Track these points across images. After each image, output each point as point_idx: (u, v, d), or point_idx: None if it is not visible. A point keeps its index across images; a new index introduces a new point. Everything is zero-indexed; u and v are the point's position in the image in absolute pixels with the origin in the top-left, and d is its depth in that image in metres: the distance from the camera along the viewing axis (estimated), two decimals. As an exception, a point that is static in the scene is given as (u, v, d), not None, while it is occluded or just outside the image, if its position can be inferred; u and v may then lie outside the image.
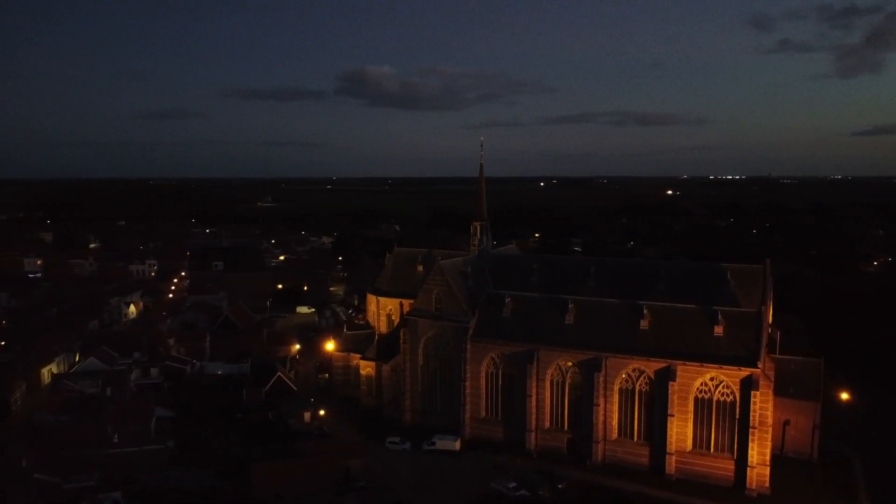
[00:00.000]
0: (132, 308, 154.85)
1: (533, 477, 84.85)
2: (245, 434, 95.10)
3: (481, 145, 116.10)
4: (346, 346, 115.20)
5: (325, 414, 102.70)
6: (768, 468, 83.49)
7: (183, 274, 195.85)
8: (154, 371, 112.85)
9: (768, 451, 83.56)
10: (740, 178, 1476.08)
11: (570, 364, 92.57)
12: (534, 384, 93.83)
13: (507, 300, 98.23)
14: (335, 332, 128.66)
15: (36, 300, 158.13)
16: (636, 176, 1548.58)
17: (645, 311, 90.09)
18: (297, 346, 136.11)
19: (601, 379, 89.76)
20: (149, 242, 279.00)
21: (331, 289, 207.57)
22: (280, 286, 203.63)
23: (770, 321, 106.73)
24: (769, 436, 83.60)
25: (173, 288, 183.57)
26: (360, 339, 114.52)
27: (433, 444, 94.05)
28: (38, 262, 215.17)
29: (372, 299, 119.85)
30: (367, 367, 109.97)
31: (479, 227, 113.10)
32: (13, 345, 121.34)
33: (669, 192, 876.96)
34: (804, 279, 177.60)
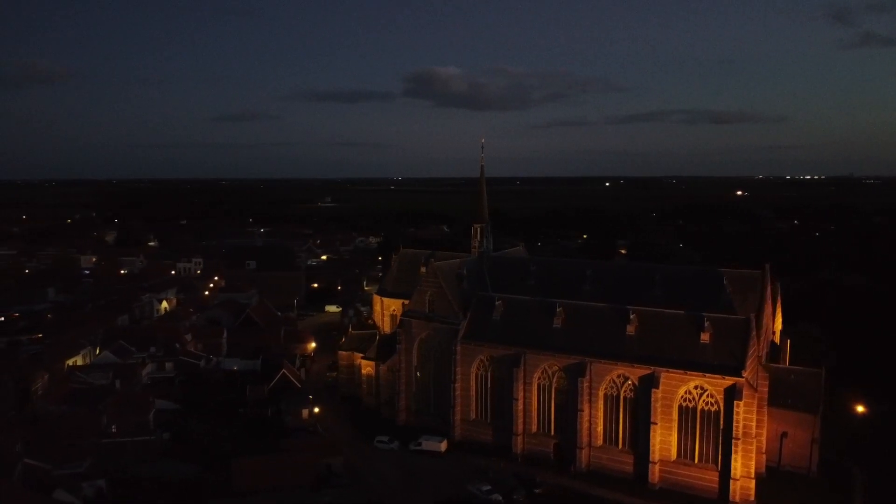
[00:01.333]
0: (164, 304, 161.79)
1: (509, 481, 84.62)
2: (241, 429, 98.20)
3: (482, 147, 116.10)
4: (350, 346, 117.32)
5: (319, 412, 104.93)
6: (753, 481, 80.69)
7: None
8: (169, 365, 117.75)
9: (753, 463, 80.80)
10: (820, 178, 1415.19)
11: (556, 368, 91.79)
12: (521, 388, 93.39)
13: (497, 303, 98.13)
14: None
15: (79, 295, 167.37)
16: (708, 176, 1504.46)
17: (632, 316, 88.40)
18: (313, 345, 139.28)
19: (585, 384, 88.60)
20: (202, 241, 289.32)
21: (366, 288, 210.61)
22: (315, 285, 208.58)
23: (778, 329, 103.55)
24: (754, 448, 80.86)
25: (211, 286, 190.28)
26: (363, 338, 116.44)
27: (419, 444, 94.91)
28: (93, 260, 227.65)
29: (377, 300, 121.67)
30: (367, 367, 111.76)
31: (479, 230, 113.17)
32: (47, 337, 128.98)
33: (739, 192, 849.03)
34: (848, 287, 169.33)
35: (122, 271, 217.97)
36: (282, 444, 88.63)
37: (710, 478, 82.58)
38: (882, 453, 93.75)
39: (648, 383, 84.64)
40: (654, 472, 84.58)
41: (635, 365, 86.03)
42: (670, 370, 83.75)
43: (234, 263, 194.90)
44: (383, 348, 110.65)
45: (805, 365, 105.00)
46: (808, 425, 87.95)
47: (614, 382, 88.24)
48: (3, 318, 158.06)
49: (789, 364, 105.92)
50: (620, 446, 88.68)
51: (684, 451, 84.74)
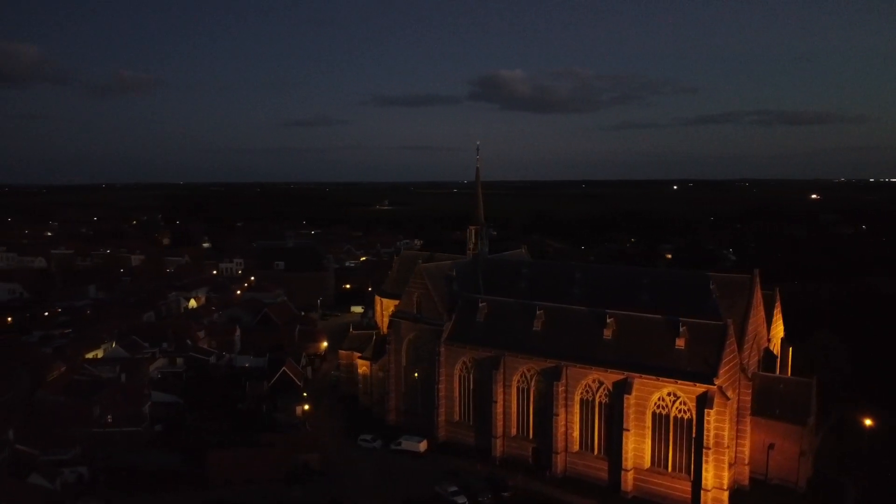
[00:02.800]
0: (193, 302, 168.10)
1: (478, 483, 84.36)
2: (233, 423, 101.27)
3: (477, 150, 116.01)
4: (350, 345, 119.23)
5: (310, 409, 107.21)
6: (726, 493, 78.00)
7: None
8: (179, 361, 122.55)
9: (726, 474, 78.02)
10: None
11: (534, 371, 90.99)
12: (500, 390, 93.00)
13: (480, 305, 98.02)
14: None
15: (117, 293, 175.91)
16: (783, 179, 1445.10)
17: (608, 320, 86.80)
18: (325, 344, 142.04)
19: (561, 388, 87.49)
20: (252, 243, 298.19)
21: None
22: (348, 286, 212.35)
23: (778, 336, 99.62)
24: (726, 458, 78.01)
25: (246, 285, 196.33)
26: (362, 338, 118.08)
27: (399, 444, 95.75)
28: (141, 259, 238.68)
29: (378, 300, 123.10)
30: (363, 366, 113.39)
31: (474, 231, 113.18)
32: (75, 332, 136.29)
33: (814, 196, 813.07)
34: (886, 295, 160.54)
35: (169, 270, 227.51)
36: (261, 438, 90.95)
37: (683, 488, 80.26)
38: (882, 469, 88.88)
39: (621, 389, 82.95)
40: (628, 480, 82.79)
41: (609, 370, 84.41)
42: (643, 376, 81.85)
43: (263, 264, 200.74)
44: (378, 348, 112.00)
45: (809, 375, 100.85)
46: (796, 437, 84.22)
47: (589, 387, 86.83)
48: (46, 313, 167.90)
49: (791, 373, 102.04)
50: (596, 452, 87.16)
51: (658, 460, 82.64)
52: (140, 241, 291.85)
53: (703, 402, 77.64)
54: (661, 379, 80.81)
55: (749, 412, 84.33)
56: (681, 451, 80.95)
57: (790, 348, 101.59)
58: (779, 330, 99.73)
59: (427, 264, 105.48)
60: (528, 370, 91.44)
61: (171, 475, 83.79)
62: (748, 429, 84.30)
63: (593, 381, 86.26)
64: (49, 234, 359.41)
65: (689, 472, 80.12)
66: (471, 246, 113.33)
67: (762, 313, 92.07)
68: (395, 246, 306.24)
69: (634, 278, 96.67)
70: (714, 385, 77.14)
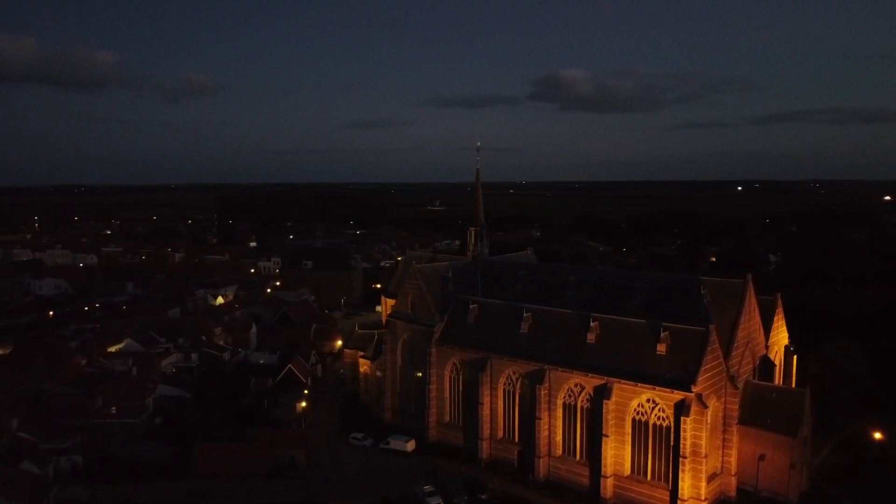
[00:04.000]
0: (220, 299, 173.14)
1: (454, 484, 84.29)
2: (233, 417, 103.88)
3: (477, 151, 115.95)
4: (354, 344, 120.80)
5: (307, 406, 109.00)
6: (703, 503, 75.76)
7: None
8: (194, 356, 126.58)
9: (703, 484, 75.83)
10: None
11: (519, 374, 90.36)
12: (487, 393, 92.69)
13: (471, 306, 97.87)
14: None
15: (152, 290, 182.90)
16: (856, 179, 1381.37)
17: (592, 324, 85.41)
18: (340, 343, 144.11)
19: (544, 392, 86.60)
20: (298, 242, 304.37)
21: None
22: (378, 285, 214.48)
23: (781, 344, 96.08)
24: (704, 468, 75.73)
25: (278, 284, 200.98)
26: (366, 338, 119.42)
27: (388, 443, 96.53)
28: (182, 257, 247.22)
29: (384, 301, 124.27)
30: (364, 366, 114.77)
31: (474, 233, 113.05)
32: (102, 326, 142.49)
33: (886, 197, 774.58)
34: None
35: (243, 270, 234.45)
36: (249, 433, 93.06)
37: (662, 497, 78.42)
38: (885, 485, 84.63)
39: (601, 394, 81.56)
40: (607, 487, 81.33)
41: (590, 374, 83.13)
42: (623, 381, 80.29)
43: (292, 263, 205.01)
44: (378, 348, 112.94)
45: (811, 384, 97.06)
46: (787, 448, 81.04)
47: (572, 391, 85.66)
48: (86, 308, 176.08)
49: (795, 383, 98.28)
50: (578, 458, 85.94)
51: (638, 467, 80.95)
52: (185, 240, 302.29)
53: (681, 409, 75.64)
54: (639, 385, 79.14)
55: (736, 421, 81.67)
56: (660, 459, 79.11)
57: (794, 357, 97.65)
58: (780, 337, 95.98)
59: (422, 265, 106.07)
60: (514, 373, 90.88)
61: (160, 466, 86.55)
62: (735, 438, 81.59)
63: (575, 385, 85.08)
64: (108, 232, 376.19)
65: (667, 481, 78.19)
66: (470, 247, 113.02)
67: (757, 319, 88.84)
68: (434, 246, 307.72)
69: (628, 282, 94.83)
70: (691, 392, 75.02)
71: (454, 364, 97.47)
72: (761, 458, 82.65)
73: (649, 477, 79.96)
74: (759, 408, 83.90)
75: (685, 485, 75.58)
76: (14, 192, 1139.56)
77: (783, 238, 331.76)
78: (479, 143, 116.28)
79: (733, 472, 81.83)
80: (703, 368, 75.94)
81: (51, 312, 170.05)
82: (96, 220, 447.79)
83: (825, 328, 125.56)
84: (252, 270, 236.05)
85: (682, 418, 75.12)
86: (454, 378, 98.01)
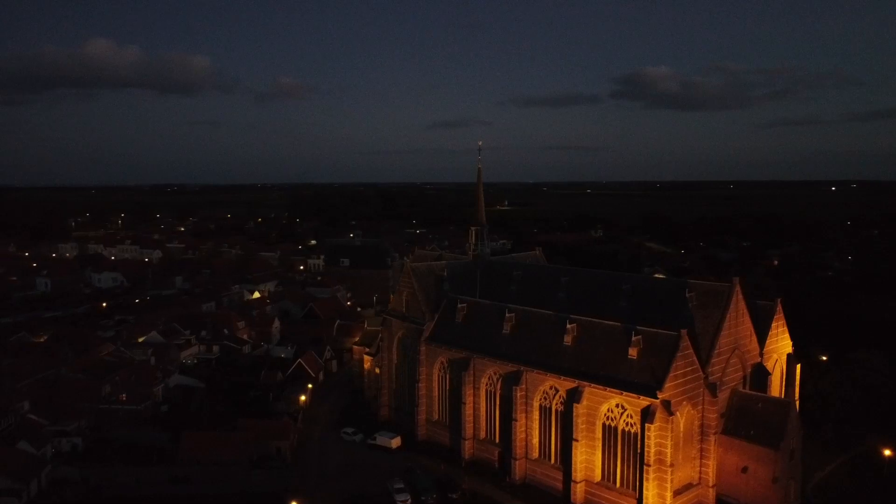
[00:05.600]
0: (256, 294, 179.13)
1: (426, 482, 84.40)
2: (237, 408, 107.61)
3: (479, 150, 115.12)
4: (362, 341, 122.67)
5: (306, 399, 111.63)
6: (669, 515, 73.13)
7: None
8: (216, 348, 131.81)
9: (669, 494, 73.14)
10: None
11: (499, 375, 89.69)
12: (470, 392, 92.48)
13: (459, 306, 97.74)
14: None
15: (196, 284, 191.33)
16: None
17: (569, 326, 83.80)
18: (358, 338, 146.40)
19: (521, 393, 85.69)
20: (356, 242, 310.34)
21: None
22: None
23: (784, 351, 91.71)
24: (669, 477, 73.02)
25: (319, 279, 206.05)
26: (374, 334, 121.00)
27: (374, 439, 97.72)
28: (236, 254, 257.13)
29: (392, 299, 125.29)
30: (367, 362, 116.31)
31: (475, 232, 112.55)
32: (139, 318, 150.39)
33: None
34: None
35: (276, 266, 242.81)
36: (241, 423, 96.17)
37: (630, 505, 76.16)
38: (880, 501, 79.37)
39: (573, 397, 79.98)
40: (577, 492, 79.76)
41: (563, 377, 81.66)
42: (593, 385, 78.47)
43: (331, 261, 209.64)
44: (379, 345, 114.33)
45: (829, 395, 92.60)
46: (769, 461, 77.14)
47: (547, 394, 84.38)
48: (137, 300, 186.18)
49: (799, 394, 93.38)
50: (553, 461, 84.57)
51: (608, 474, 78.90)
52: (243, 237, 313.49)
53: (647, 415, 73.28)
54: (608, 389, 77.18)
55: (714, 431, 78.27)
56: (628, 466, 76.88)
57: (798, 366, 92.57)
58: (781, 345, 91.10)
59: (416, 264, 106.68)
60: (495, 373, 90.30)
61: (152, 451, 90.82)
62: (712, 448, 78.20)
63: (550, 387, 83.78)
64: (181, 228, 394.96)
65: (635, 489, 75.90)
66: (471, 246, 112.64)
67: (748, 325, 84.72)
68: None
69: (617, 284, 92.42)
70: (657, 399, 72.52)
71: (442, 363, 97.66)
72: (744, 470, 78.98)
73: (618, 484, 77.85)
74: (744, 418, 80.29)
75: (650, 494, 73.20)
76: (113, 191, 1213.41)
77: (859, 241, 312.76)
78: (480, 143, 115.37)
79: (711, 484, 78.45)
80: (671, 374, 73.22)
81: (104, 304, 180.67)
82: (175, 218, 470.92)
83: (859, 337, 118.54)
84: (301, 267, 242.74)
85: (646, 425, 72.76)
86: (442, 377, 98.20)
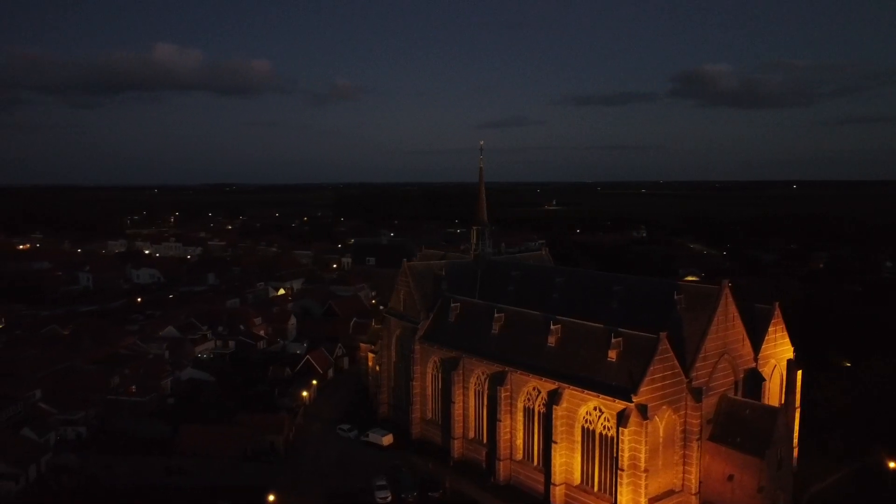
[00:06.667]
0: (281, 291, 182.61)
1: (408, 480, 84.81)
2: (243, 401, 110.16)
3: (480, 150, 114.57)
4: (370, 339, 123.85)
5: (307, 395, 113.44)
6: (644, 521, 71.65)
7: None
8: (231, 343, 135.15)
9: (643, 500, 71.63)
10: None
11: (486, 375, 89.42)
12: (459, 392, 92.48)
13: (452, 305, 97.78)
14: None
15: (227, 281, 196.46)
16: None
17: (553, 327, 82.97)
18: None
19: (505, 394, 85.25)
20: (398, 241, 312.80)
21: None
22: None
23: (784, 357, 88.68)
24: (643, 483, 71.52)
25: (350, 274, 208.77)
26: (379, 333, 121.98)
27: (366, 436, 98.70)
28: (273, 252, 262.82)
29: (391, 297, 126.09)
30: (372, 360, 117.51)
31: (476, 232, 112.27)
32: (164, 312, 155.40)
33: None
34: None
35: (303, 263, 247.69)
36: (239, 417, 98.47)
37: (606, 510, 74.95)
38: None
39: (553, 399, 79.18)
40: (556, 495, 78.93)
41: (544, 378, 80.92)
42: (572, 387, 77.55)
43: (358, 259, 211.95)
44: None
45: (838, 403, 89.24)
46: (754, 470, 74.78)
47: (530, 395, 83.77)
48: (171, 296, 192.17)
49: (800, 400, 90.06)
50: (535, 463, 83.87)
51: (586, 477, 77.83)
52: (280, 236, 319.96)
53: (621, 419, 72.01)
54: (586, 392, 76.14)
55: (696, 436, 76.25)
56: (605, 470, 75.68)
57: (799, 372, 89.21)
58: (780, 350, 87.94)
59: (414, 263, 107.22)
60: (483, 373, 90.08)
61: (151, 442, 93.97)
62: (695, 455, 76.22)
63: (533, 388, 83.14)
64: (229, 227, 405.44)
65: (611, 493, 74.66)
66: (472, 246, 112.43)
67: (740, 329, 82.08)
68: (522, 245, 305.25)
69: (610, 285, 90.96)
70: (632, 402, 71.18)
71: (435, 362, 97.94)
72: (730, 478, 76.79)
73: (596, 488, 76.74)
74: (732, 424, 78.08)
75: (623, 499, 71.95)
76: (174, 190, 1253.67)
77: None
78: (482, 143, 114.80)
79: (694, 492, 76.53)
80: (647, 378, 71.76)
81: (139, 299, 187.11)
82: (225, 216, 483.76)
83: (886, 344, 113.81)
84: (335, 266, 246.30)
85: (620, 429, 71.50)
86: (435, 376, 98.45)
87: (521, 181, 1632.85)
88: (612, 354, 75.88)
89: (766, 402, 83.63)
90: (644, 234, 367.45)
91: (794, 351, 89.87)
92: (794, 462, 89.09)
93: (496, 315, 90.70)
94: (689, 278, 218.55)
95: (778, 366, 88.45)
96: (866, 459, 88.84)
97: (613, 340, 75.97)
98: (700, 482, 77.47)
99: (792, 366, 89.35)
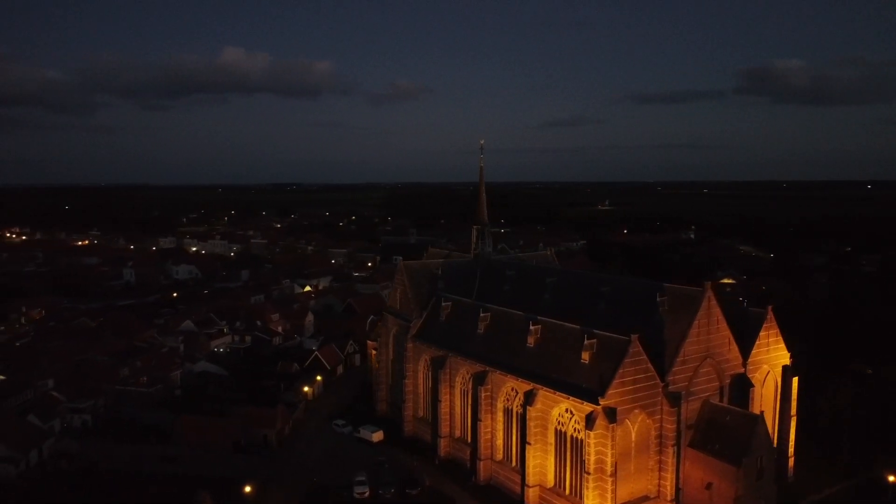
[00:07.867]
0: (307, 288, 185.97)
1: (387, 477, 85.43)
2: (250, 395, 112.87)
3: (481, 149, 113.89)
4: (376, 336, 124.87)
5: (309, 390, 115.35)
6: (610, 526, 70.28)
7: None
8: (248, 338, 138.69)
9: (610, 504, 70.30)
10: None
11: (469, 375, 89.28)
12: (446, 391, 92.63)
13: (443, 304, 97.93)
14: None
15: (256, 278, 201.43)
16: None
17: (532, 328, 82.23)
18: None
19: (486, 394, 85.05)
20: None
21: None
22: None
23: (779, 362, 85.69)
24: (610, 487, 70.15)
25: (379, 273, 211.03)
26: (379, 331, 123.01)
27: (358, 432, 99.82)
28: (309, 249, 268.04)
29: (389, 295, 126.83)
30: (374, 357, 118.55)
31: (476, 231, 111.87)
32: (190, 307, 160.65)
33: None
34: None
35: (332, 261, 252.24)
36: (237, 410, 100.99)
37: (576, 513, 73.86)
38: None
39: (528, 400, 78.50)
40: (531, 497, 78.33)
41: (521, 379, 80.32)
42: (546, 389, 76.72)
43: (385, 258, 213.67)
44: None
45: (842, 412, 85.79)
46: (731, 478, 72.50)
47: (509, 395, 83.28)
48: (206, 291, 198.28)
49: (796, 408, 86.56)
50: (513, 464, 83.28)
51: (559, 479, 76.87)
52: (322, 235, 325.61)
53: (589, 422, 70.87)
54: (557, 393, 75.21)
55: (672, 442, 74.28)
56: (576, 473, 74.57)
57: (795, 379, 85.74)
58: (774, 356, 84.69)
59: (410, 262, 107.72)
60: (467, 372, 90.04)
61: (151, 431, 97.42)
62: (671, 461, 74.29)
63: (511, 389, 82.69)
64: (278, 225, 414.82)
65: (581, 497, 73.49)
66: (473, 246, 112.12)
67: (725, 333, 79.49)
68: (559, 244, 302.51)
69: (597, 286, 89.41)
70: (599, 405, 69.95)
71: (426, 361, 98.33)
72: (708, 486, 74.66)
73: (567, 491, 75.70)
74: (712, 431, 76.01)
75: (591, 503, 70.71)
76: (237, 189, 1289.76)
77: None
78: (482, 141, 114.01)
79: (670, 499, 74.59)
80: (616, 381, 70.38)
81: (174, 294, 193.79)
82: (276, 215, 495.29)
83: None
84: (370, 264, 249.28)
85: (586, 432, 70.38)
86: (426, 375, 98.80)
87: (577, 181, 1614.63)
88: (586, 356, 74.77)
89: (755, 409, 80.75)
90: (692, 236, 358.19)
91: (791, 357, 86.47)
92: (791, 473, 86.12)
93: (482, 315, 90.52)
94: (726, 280, 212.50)
95: (772, 372, 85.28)
96: (873, 472, 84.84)
97: (587, 342, 74.85)
98: (679, 489, 75.74)
99: (788, 372, 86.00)
